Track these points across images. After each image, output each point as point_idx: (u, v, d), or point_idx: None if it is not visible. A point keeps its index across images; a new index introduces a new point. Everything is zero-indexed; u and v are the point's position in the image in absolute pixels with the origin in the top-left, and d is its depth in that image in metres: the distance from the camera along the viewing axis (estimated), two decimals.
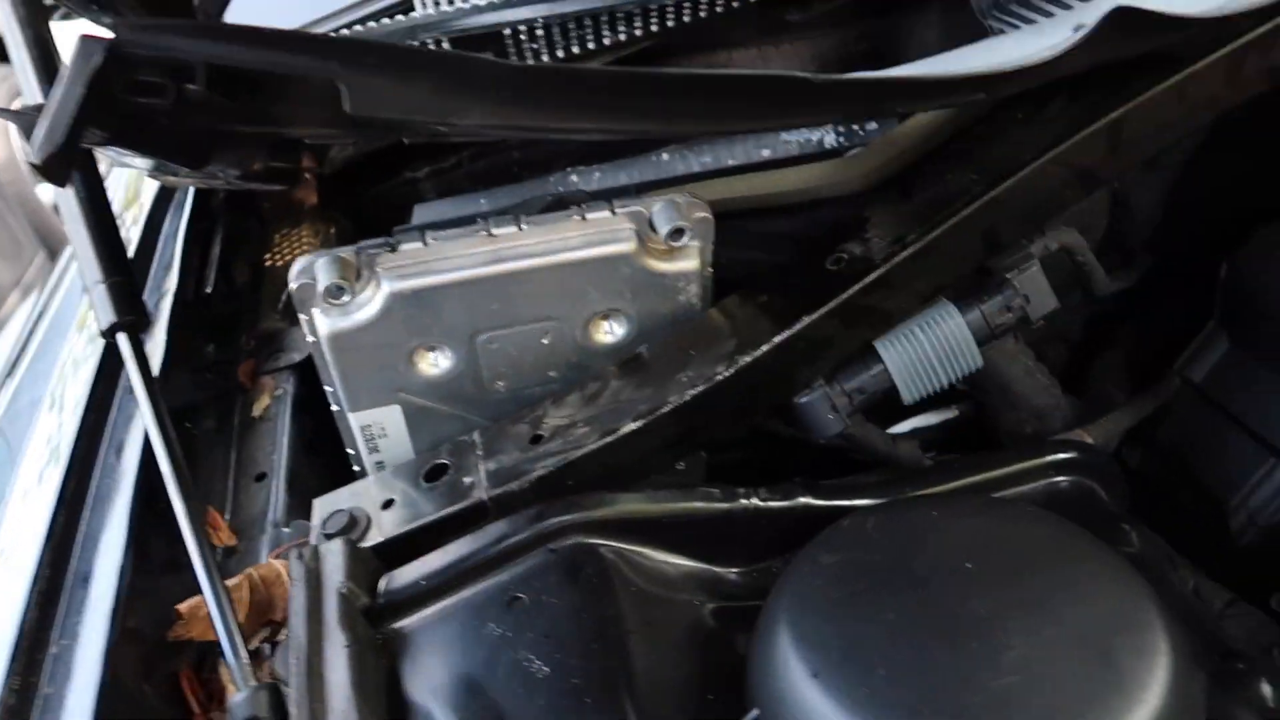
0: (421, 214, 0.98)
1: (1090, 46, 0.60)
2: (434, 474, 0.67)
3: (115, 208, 0.85)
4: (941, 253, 0.65)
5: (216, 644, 0.60)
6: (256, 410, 0.83)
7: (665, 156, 0.95)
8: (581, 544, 0.61)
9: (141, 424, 0.68)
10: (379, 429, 0.72)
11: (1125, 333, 0.95)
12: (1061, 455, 0.71)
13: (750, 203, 0.79)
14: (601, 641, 0.56)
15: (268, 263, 1.03)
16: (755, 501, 0.65)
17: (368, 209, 1.11)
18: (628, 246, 0.66)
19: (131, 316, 0.66)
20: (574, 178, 0.94)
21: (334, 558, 0.60)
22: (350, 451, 0.75)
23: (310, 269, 0.64)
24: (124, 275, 0.67)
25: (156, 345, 0.72)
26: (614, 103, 0.54)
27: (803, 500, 0.66)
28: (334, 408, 0.72)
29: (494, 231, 0.65)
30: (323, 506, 0.68)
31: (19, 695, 0.52)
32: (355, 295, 0.64)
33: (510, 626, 0.58)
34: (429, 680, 0.57)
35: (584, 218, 0.66)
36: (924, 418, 0.93)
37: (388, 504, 0.66)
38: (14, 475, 0.79)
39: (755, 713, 0.55)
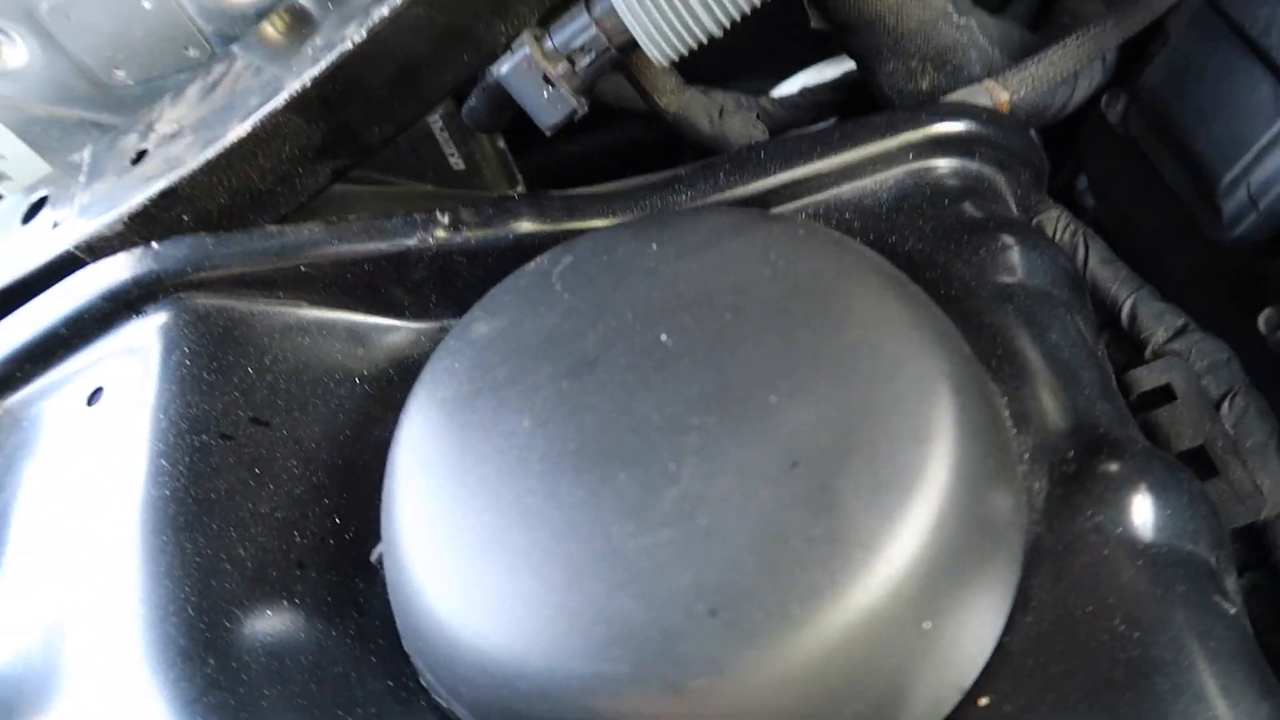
0: None
1: None
2: (33, 210, 0.49)
3: None
4: None
5: None
6: None
7: None
8: (186, 306, 0.44)
9: None
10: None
11: None
12: (941, 126, 0.47)
13: None
14: (179, 453, 0.40)
15: None
16: (441, 233, 0.45)
17: None
18: None
19: None
20: None
21: None
22: None
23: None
24: None
25: None
26: None
27: (519, 225, 0.45)
28: None
29: None
30: None
31: None
32: None
33: (88, 432, 0.43)
34: None
35: None
36: (815, 71, 0.68)
37: None
38: None
39: (379, 549, 0.39)
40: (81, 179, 0.48)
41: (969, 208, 0.45)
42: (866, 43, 0.52)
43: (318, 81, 0.42)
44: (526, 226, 0.45)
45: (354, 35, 0.41)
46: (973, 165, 0.47)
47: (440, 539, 0.33)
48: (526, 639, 0.30)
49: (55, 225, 0.47)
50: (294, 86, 0.42)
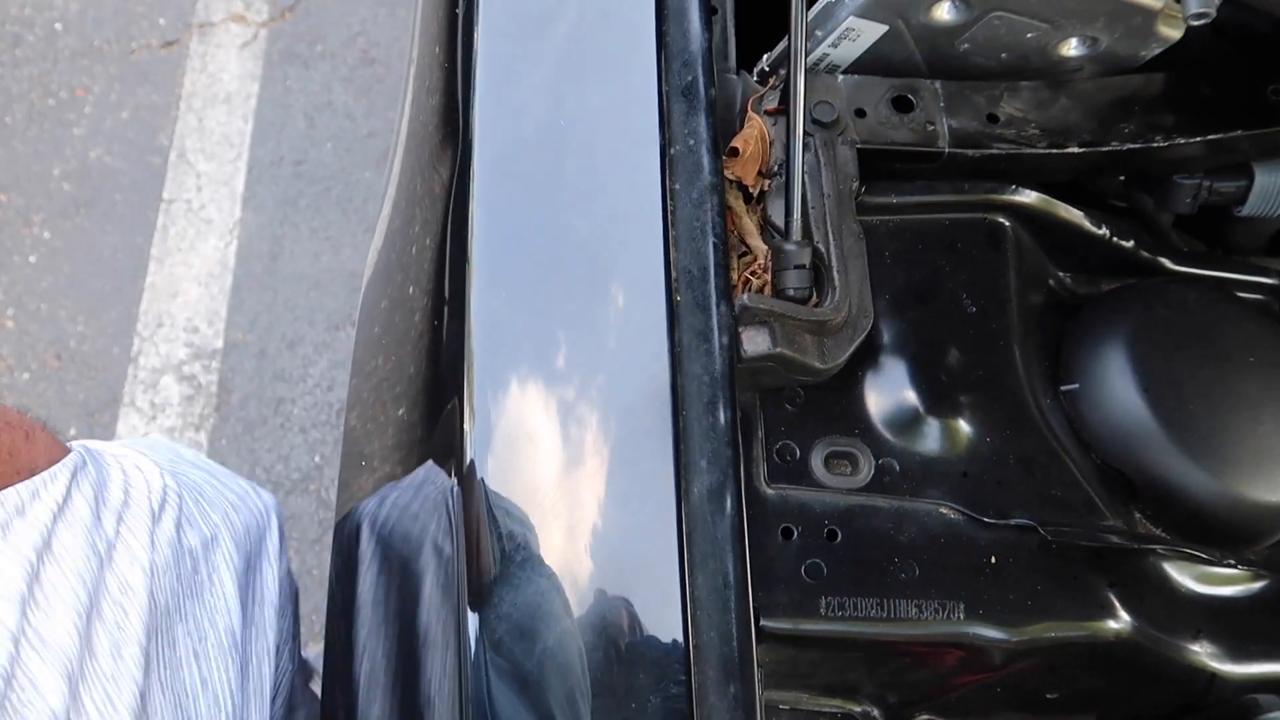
0: None
1: None
2: (902, 105, 0.80)
3: None
4: None
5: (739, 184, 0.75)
6: None
7: None
8: (1003, 221, 0.79)
9: None
10: (855, 34, 0.81)
11: None
12: None
13: None
14: (1004, 303, 0.77)
15: None
16: (1108, 233, 0.84)
17: None
18: (1159, 4, 0.76)
19: None
20: None
21: (845, 152, 0.75)
22: (794, 34, 0.83)
23: None
24: None
25: None
26: None
27: (1132, 246, 0.86)
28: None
29: None
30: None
31: None
32: None
33: (948, 262, 0.77)
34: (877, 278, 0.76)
35: None
36: None
37: (860, 113, 0.79)
38: None
39: (1076, 386, 0.79)
40: (941, 105, 0.80)
41: None
42: None
43: (1129, 151, 0.79)
44: (1140, 252, 0.86)
45: (1159, 140, 0.79)
46: None
47: (1172, 413, 0.75)
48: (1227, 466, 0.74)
49: (931, 129, 0.79)
50: (1116, 145, 0.79)
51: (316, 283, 2.16)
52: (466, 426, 0.62)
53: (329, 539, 1.96)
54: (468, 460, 0.62)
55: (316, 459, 2.00)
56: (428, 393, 0.72)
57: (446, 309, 0.69)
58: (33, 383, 2.04)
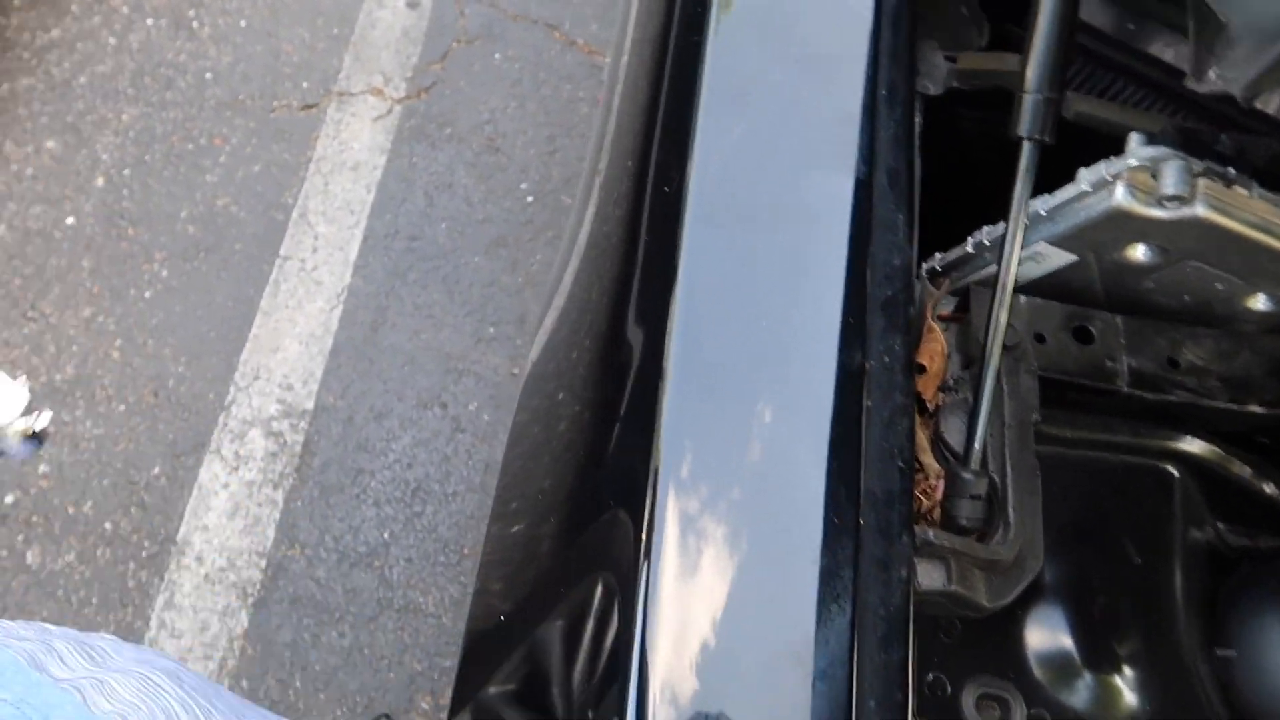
0: None
1: None
2: (1082, 336, 0.80)
3: None
4: None
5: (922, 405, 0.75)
6: None
7: None
8: (1173, 471, 0.78)
9: None
10: (1041, 258, 0.82)
11: None
12: None
13: None
14: (1170, 557, 0.75)
15: None
16: (1277, 493, 0.82)
17: None
18: None
19: (1044, 137, 0.71)
20: None
21: (1028, 381, 0.74)
22: (975, 245, 0.84)
23: (1161, 164, 0.70)
24: (1058, 94, 0.70)
25: None
26: None
27: None
28: (1023, 221, 0.81)
29: None
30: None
31: None
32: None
33: (1115, 506, 0.76)
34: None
35: None
36: None
37: (1040, 338, 0.79)
38: None
39: (1233, 652, 0.77)
40: (1122, 341, 0.79)
41: None
42: None
43: None
44: None
45: None
46: None
47: None
48: None
49: (1110, 367, 0.78)
50: None
51: (412, 358, 2.20)
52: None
53: (384, 619, 1.95)
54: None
55: (385, 535, 2.00)
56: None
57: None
58: (127, 415, 2.09)
